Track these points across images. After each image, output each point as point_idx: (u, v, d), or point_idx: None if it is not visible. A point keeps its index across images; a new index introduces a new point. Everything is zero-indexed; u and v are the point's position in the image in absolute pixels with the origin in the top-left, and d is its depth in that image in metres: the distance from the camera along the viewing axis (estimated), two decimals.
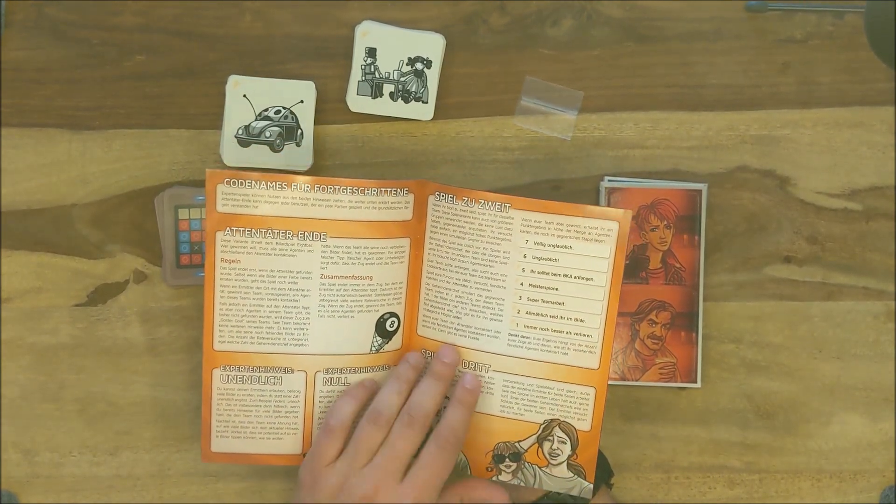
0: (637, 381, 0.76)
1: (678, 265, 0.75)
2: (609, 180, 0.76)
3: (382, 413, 0.66)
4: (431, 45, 0.75)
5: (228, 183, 0.67)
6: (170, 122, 0.77)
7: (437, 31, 0.76)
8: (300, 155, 0.75)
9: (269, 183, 0.67)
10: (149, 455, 0.77)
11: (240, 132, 0.75)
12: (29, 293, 0.77)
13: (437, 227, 0.70)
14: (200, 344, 0.76)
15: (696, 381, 0.75)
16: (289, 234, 0.68)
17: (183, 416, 0.77)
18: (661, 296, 0.75)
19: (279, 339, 0.69)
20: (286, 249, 0.68)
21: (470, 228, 0.69)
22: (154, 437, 0.77)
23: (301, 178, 0.68)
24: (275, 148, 0.75)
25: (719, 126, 0.77)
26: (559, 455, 0.69)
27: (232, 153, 0.75)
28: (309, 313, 0.69)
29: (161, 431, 0.77)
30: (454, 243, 0.70)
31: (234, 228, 0.68)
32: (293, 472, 0.77)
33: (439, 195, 0.70)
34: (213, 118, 0.76)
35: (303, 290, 0.69)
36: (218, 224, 0.68)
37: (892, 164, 0.76)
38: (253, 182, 0.67)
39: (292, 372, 0.70)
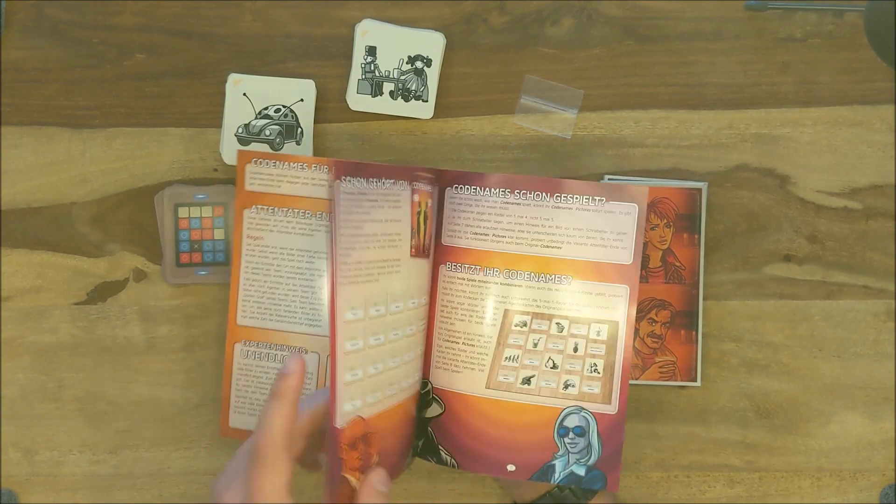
0: (637, 379, 0.76)
1: (678, 264, 0.75)
2: (609, 179, 0.76)
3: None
4: (431, 44, 0.75)
5: (256, 162, 0.71)
6: (170, 121, 0.77)
7: (437, 30, 0.76)
8: (300, 153, 0.75)
9: (291, 164, 0.71)
10: (149, 454, 0.77)
11: (240, 131, 0.75)
12: (29, 292, 0.77)
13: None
14: (201, 343, 0.76)
15: (695, 380, 0.75)
16: (308, 213, 0.71)
17: (183, 415, 0.77)
18: (660, 294, 0.75)
19: (295, 317, 0.72)
20: (304, 228, 0.71)
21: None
22: (154, 437, 0.77)
23: (322, 160, 0.71)
24: (275, 146, 0.75)
25: (719, 125, 0.77)
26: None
27: (232, 152, 0.75)
28: (323, 293, 0.72)
29: (161, 430, 0.77)
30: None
31: (260, 206, 0.72)
32: (293, 470, 0.77)
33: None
34: (214, 117, 0.76)
35: (318, 270, 0.72)
36: (245, 202, 0.72)
37: (892, 164, 0.76)
38: (278, 162, 0.71)
39: (306, 353, 0.72)
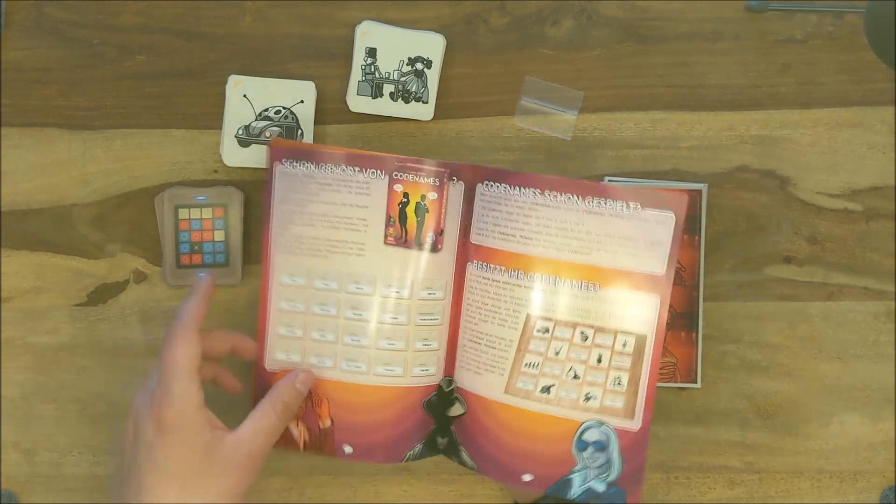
0: None
1: (678, 265, 0.75)
2: (609, 180, 0.76)
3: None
4: (431, 45, 0.75)
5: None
6: (170, 122, 0.77)
7: (437, 31, 0.76)
8: None
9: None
10: None
11: (240, 132, 0.75)
12: (29, 293, 0.77)
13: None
14: None
15: (696, 381, 0.75)
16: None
17: None
18: None
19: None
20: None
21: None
22: None
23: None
24: None
25: (719, 126, 0.77)
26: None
27: (232, 153, 0.75)
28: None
29: None
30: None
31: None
32: (294, 471, 0.77)
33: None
34: (214, 118, 0.76)
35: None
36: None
37: (892, 165, 0.76)
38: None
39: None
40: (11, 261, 0.77)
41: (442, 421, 0.72)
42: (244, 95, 0.75)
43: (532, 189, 0.68)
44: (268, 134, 0.75)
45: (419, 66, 0.75)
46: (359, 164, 0.69)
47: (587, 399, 0.68)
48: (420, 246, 0.69)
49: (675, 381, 0.75)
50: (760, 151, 0.76)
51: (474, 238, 0.70)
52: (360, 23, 0.75)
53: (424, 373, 0.71)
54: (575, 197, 0.67)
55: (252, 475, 0.64)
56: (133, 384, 0.76)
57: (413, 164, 0.69)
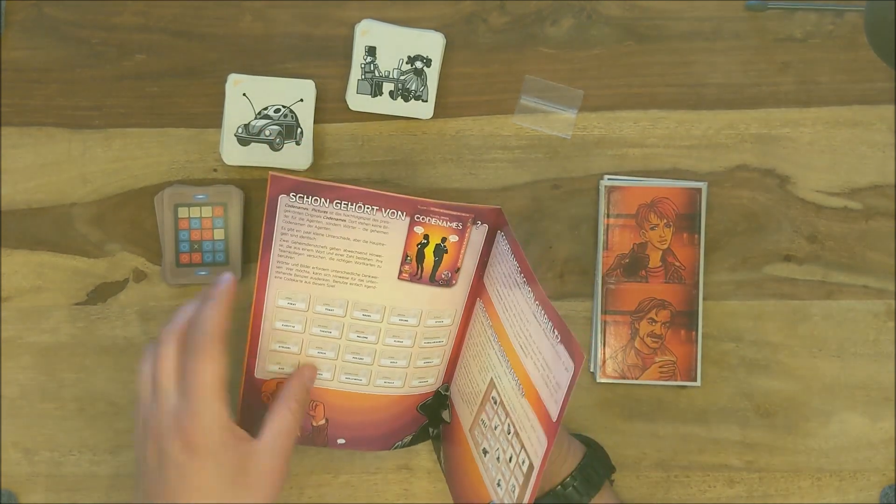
0: (637, 379, 0.76)
1: (678, 264, 0.75)
2: (609, 179, 0.76)
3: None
4: (431, 44, 0.75)
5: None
6: (170, 122, 0.77)
7: (436, 30, 0.76)
8: (300, 154, 0.76)
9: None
10: None
11: (239, 131, 0.75)
12: (29, 292, 0.77)
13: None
14: None
15: (695, 380, 0.75)
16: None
17: None
18: (660, 294, 0.75)
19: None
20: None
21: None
22: None
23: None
24: (274, 147, 0.75)
25: (719, 125, 0.77)
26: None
27: (232, 152, 0.75)
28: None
29: None
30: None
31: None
32: (294, 470, 0.77)
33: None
34: (213, 117, 0.76)
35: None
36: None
37: (892, 164, 0.76)
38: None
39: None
40: (11, 260, 0.77)
41: (436, 419, 0.74)
42: (244, 94, 0.75)
43: (516, 264, 0.65)
44: (267, 132, 0.75)
45: (419, 64, 0.75)
46: (379, 203, 0.65)
47: (499, 483, 0.67)
48: (434, 282, 0.68)
49: (675, 380, 0.75)
50: (760, 150, 0.76)
51: (485, 279, 0.69)
52: (359, 21, 0.75)
53: (422, 384, 0.72)
54: (527, 290, 0.64)
55: (282, 477, 0.64)
56: (132, 383, 0.77)
57: (437, 209, 0.66)
